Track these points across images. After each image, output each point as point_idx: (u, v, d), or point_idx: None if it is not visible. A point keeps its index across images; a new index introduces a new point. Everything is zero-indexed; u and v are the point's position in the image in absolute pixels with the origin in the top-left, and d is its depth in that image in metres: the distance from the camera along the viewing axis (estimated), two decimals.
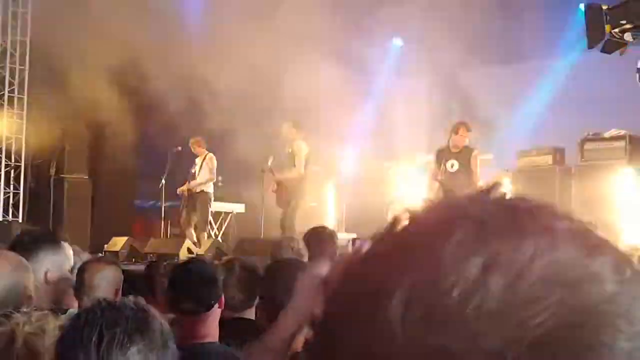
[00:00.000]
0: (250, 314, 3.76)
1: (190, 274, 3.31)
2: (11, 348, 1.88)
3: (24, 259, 2.98)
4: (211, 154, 11.97)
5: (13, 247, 3.40)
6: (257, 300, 3.78)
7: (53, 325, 1.95)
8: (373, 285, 0.56)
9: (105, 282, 3.99)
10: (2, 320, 2.03)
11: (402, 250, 0.57)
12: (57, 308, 3.09)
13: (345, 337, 0.56)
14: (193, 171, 11.99)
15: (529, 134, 12.74)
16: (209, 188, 11.96)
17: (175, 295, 3.28)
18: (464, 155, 9.84)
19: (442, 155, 10.04)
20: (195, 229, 11.92)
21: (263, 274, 3.29)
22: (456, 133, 9.91)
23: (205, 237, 11.89)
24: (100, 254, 11.06)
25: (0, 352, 1.88)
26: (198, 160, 12.03)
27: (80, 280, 3.86)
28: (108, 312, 1.64)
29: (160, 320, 1.71)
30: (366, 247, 0.61)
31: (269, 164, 11.09)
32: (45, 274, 3.44)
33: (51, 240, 3.60)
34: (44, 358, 1.89)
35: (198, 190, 11.82)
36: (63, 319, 2.02)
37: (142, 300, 1.76)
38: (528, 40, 13.42)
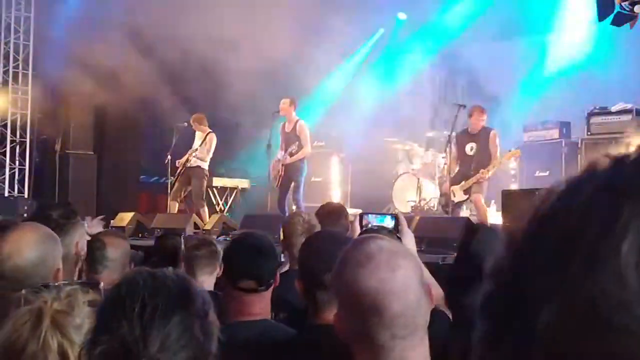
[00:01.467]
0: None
1: (251, 250, 3.20)
2: (39, 326, 1.88)
3: (52, 232, 2.96)
4: (212, 134, 11.92)
5: (45, 217, 3.42)
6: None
7: (83, 301, 1.95)
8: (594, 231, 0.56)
9: (120, 254, 4.03)
10: (30, 297, 2.02)
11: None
12: (87, 281, 3.11)
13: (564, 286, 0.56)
14: (195, 147, 11.98)
15: (534, 109, 12.73)
16: (205, 164, 11.95)
17: (233, 272, 3.19)
18: (482, 137, 9.86)
19: (461, 139, 10.09)
20: (182, 202, 11.98)
21: (302, 245, 3.24)
22: (470, 116, 9.95)
23: (207, 212, 11.89)
24: (106, 229, 11.11)
25: (28, 330, 1.87)
26: (198, 138, 12.00)
27: (96, 252, 3.88)
28: (150, 281, 1.64)
29: (201, 290, 1.71)
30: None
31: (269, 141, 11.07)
32: (77, 244, 3.53)
33: (75, 213, 3.65)
34: (73, 336, 1.89)
35: (194, 165, 11.81)
36: (92, 293, 2.01)
37: (181, 271, 1.76)
38: (533, 14, 13.35)
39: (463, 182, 9.91)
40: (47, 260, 2.78)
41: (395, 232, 2.83)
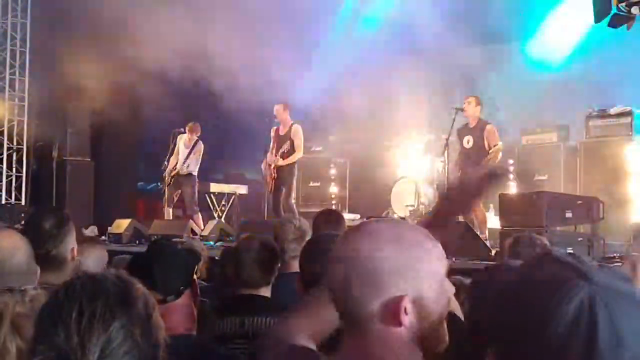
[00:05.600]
0: (266, 291, 3.75)
1: (149, 259, 2.89)
2: None
3: (22, 236, 2.93)
4: (201, 144, 11.97)
5: (37, 228, 3.42)
6: (273, 279, 3.79)
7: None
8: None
9: (92, 262, 4.00)
10: None
11: None
12: (53, 286, 3.06)
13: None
14: (184, 156, 11.97)
15: (532, 112, 12.68)
16: (195, 171, 11.99)
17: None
18: (478, 130, 9.82)
19: (461, 132, 10.06)
20: (176, 207, 12.02)
21: (304, 247, 3.18)
22: (467, 106, 9.92)
23: (200, 218, 11.89)
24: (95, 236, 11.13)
25: None
26: (182, 142, 11.98)
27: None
28: (89, 285, 1.54)
29: (144, 291, 1.60)
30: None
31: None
32: (72, 250, 3.55)
33: (67, 219, 3.65)
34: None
35: (184, 172, 11.86)
36: None
37: (123, 273, 1.65)
38: (531, 16, 13.31)
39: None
40: (30, 262, 2.76)
41: None
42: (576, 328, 1.03)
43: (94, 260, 3.96)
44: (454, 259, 7.15)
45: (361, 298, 1.56)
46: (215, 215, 13.16)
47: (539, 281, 1.09)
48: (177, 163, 11.94)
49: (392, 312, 1.54)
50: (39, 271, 2.84)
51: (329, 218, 5.65)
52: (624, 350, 1.02)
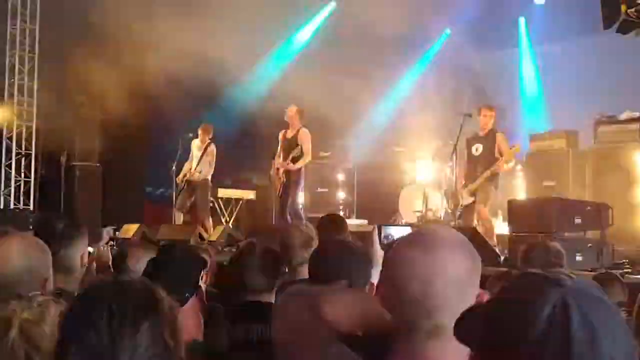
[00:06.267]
0: (270, 297, 3.74)
1: (162, 261, 3.04)
2: (7, 336, 1.85)
3: (42, 242, 2.93)
4: (213, 146, 11.95)
5: (48, 234, 3.41)
6: (277, 285, 3.77)
7: (54, 312, 1.91)
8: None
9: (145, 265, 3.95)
10: (1, 306, 1.98)
11: None
12: (60, 292, 3.04)
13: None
14: (197, 161, 11.99)
15: (541, 118, 12.66)
16: (209, 176, 12.00)
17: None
18: (489, 138, 9.84)
19: (470, 141, 10.08)
20: (190, 213, 12.00)
21: (313, 253, 3.18)
22: (479, 115, 9.95)
23: (211, 223, 11.88)
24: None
25: None
26: (196, 146, 11.99)
27: (125, 264, 3.82)
28: (117, 287, 1.58)
29: (166, 296, 1.64)
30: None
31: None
32: (82, 257, 3.57)
33: (79, 225, 3.66)
34: (41, 346, 1.85)
35: (198, 179, 11.87)
36: (65, 304, 1.95)
37: (146, 280, 1.70)
38: (539, 22, 13.29)
39: (469, 185, 9.88)
40: (33, 270, 2.74)
41: None
42: (551, 329, 1.09)
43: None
44: None
45: (448, 305, 1.62)
46: (223, 220, 13.16)
47: (515, 295, 1.18)
48: (191, 168, 11.96)
49: None
50: (51, 278, 2.83)
51: (331, 223, 5.66)
52: (599, 346, 1.07)
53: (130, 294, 1.56)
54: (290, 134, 10.91)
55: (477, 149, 9.93)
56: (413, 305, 1.65)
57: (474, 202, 9.84)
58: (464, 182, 10.06)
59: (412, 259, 1.67)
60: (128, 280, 1.63)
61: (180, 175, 11.97)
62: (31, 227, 10.42)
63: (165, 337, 1.54)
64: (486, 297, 1.61)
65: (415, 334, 1.65)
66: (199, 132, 12.00)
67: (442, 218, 11.41)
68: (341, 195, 13.77)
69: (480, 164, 9.84)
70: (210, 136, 12.00)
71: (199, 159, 11.91)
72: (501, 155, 9.73)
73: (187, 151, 12.22)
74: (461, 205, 10.04)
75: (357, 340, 1.95)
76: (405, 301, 1.66)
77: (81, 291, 1.62)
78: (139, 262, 3.76)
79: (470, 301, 1.60)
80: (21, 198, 13.92)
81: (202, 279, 3.66)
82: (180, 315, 1.64)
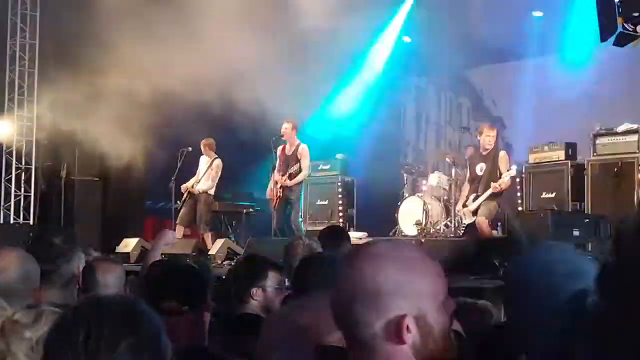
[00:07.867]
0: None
1: (174, 270, 3.16)
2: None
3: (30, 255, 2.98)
4: (219, 160, 12.02)
5: (44, 246, 3.44)
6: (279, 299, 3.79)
7: (51, 319, 1.91)
8: None
9: (114, 280, 3.99)
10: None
11: None
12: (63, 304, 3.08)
13: None
14: (201, 174, 12.07)
15: (539, 130, 12.68)
16: (211, 190, 12.04)
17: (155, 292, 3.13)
18: (491, 157, 9.91)
19: (473, 160, 10.16)
20: (191, 226, 12.04)
21: (296, 267, 3.21)
22: (480, 134, 10.03)
23: (210, 237, 11.90)
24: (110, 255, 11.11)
25: None
26: (204, 162, 12.08)
27: (90, 278, 3.83)
28: (96, 308, 1.55)
29: (150, 312, 1.61)
30: None
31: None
32: (77, 267, 3.63)
33: (75, 238, 3.70)
34: (14, 347, 1.87)
35: (200, 190, 11.92)
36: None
37: (129, 294, 1.69)
38: (537, 35, 13.33)
39: (473, 204, 9.94)
40: (27, 280, 2.78)
41: None
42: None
43: (114, 278, 3.94)
44: (471, 277, 7.28)
45: (365, 319, 1.62)
46: (223, 234, 13.15)
47: None
48: (195, 182, 12.05)
49: (394, 331, 1.61)
50: (41, 290, 2.87)
51: (333, 234, 5.68)
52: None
53: (108, 314, 1.53)
54: (289, 149, 10.99)
55: (482, 168, 10.00)
56: (339, 318, 1.68)
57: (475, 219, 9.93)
58: (465, 202, 10.13)
59: (341, 274, 1.70)
60: (109, 298, 1.61)
61: (184, 187, 12.04)
62: (30, 242, 10.47)
63: (146, 356, 1.52)
64: (407, 322, 1.60)
65: (351, 348, 1.68)
66: (201, 147, 12.08)
67: (441, 230, 11.43)
68: (341, 207, 13.76)
69: (482, 184, 9.92)
70: (214, 149, 12.09)
71: (204, 173, 12.00)
72: (500, 174, 9.80)
73: (187, 165, 12.25)
74: (463, 224, 10.16)
75: (337, 351, 1.97)
76: (336, 314, 1.69)
77: (67, 309, 1.61)
78: (106, 276, 3.82)
79: (397, 315, 1.60)
80: (21, 213, 13.92)
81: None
82: (164, 332, 1.60)
